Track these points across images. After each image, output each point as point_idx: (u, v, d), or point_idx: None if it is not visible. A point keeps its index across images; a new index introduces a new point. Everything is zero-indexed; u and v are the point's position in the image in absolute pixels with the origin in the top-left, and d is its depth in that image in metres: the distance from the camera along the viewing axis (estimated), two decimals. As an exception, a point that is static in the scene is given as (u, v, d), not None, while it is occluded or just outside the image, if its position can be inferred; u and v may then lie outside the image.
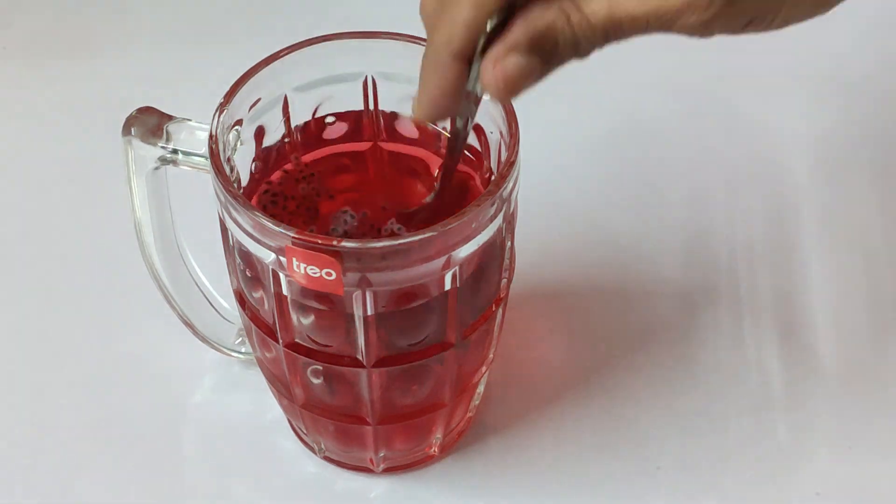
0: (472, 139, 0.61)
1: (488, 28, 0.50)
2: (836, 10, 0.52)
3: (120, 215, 0.66)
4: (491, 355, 0.63)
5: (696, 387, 0.67)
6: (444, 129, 0.61)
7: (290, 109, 0.61)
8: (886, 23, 0.83)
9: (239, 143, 0.60)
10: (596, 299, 0.71)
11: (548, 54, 0.50)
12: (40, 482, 0.65)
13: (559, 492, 0.64)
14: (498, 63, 0.50)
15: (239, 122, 0.60)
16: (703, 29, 0.49)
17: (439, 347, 0.59)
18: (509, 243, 0.60)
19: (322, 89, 0.61)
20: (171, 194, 0.62)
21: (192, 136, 0.59)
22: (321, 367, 0.59)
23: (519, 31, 0.49)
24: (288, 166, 0.62)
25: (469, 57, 0.51)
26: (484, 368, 0.63)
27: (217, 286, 0.65)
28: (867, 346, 0.69)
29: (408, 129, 0.62)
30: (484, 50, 0.50)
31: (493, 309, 0.61)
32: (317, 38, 0.60)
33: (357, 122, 0.62)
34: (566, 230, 0.74)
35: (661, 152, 0.77)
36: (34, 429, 0.66)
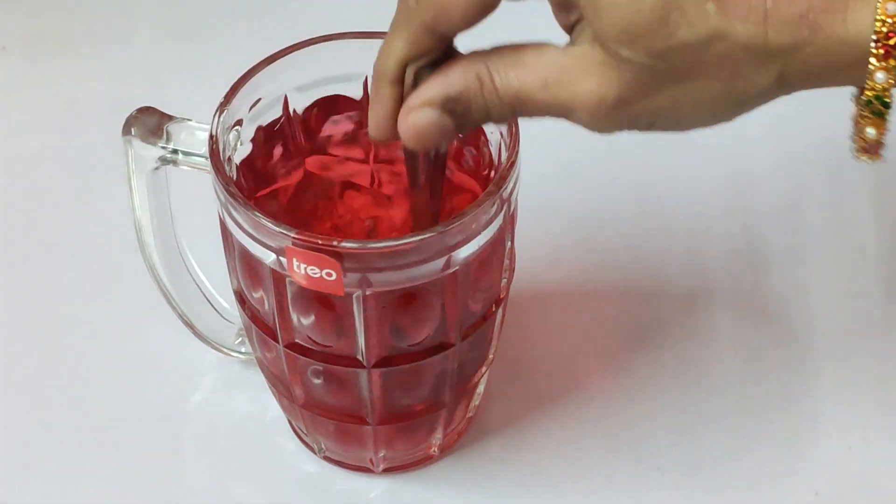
0: (472, 138, 0.61)
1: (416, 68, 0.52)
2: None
3: (120, 215, 0.66)
4: (491, 356, 0.63)
5: (696, 387, 0.67)
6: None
7: (290, 109, 0.61)
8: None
9: (239, 143, 0.60)
10: (597, 300, 0.71)
11: (460, 115, 0.51)
12: (40, 482, 0.65)
13: (559, 492, 0.64)
14: (410, 114, 0.51)
15: (239, 123, 0.60)
16: (595, 128, 0.51)
17: (439, 348, 0.59)
18: (510, 244, 0.60)
19: (322, 89, 0.61)
20: (171, 194, 0.62)
21: (193, 136, 0.59)
22: (321, 368, 0.59)
23: (435, 87, 0.51)
24: (288, 164, 0.62)
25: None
26: (484, 369, 0.63)
27: (217, 286, 0.65)
28: (867, 346, 0.69)
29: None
30: (416, 83, 0.52)
31: (494, 309, 0.61)
32: (317, 38, 0.60)
33: (357, 121, 0.62)
34: (567, 231, 0.74)
35: (662, 152, 0.77)
36: (34, 428, 0.66)
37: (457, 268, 0.56)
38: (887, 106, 0.49)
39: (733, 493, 0.64)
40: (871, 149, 0.50)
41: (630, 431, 0.66)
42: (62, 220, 0.75)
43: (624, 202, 0.75)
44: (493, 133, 0.60)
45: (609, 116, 0.50)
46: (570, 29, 0.50)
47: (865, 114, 0.49)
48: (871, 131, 0.50)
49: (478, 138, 0.61)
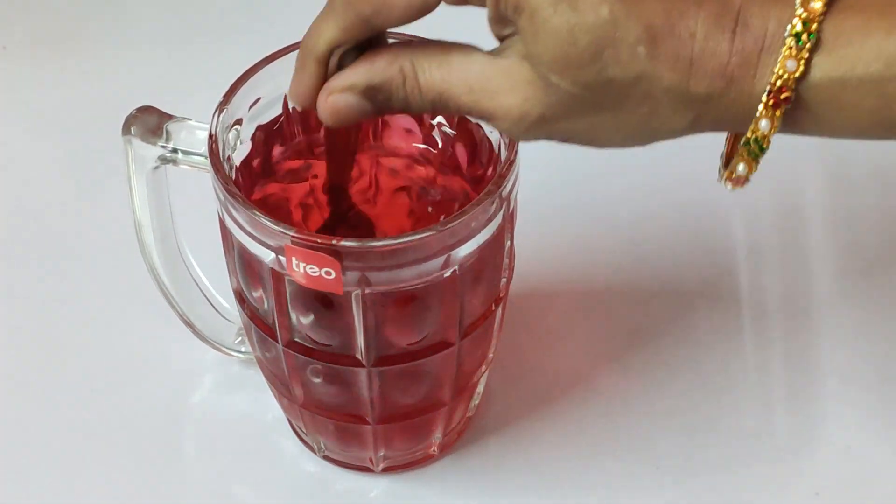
0: (471, 137, 0.61)
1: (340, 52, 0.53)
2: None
3: (120, 215, 0.66)
4: (490, 355, 0.63)
5: (695, 387, 0.67)
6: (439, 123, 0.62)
7: (289, 108, 0.61)
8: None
9: (238, 143, 0.60)
10: (596, 299, 0.71)
11: (379, 103, 0.53)
12: (40, 481, 0.65)
13: (558, 491, 0.64)
14: (331, 96, 0.53)
15: (239, 122, 0.60)
16: (514, 137, 0.54)
17: (439, 347, 0.59)
18: (509, 242, 0.60)
19: (322, 88, 0.61)
20: (171, 194, 0.62)
21: (192, 135, 0.60)
22: (321, 367, 0.59)
23: (360, 74, 0.52)
24: (287, 164, 0.62)
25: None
26: (483, 368, 0.63)
27: (217, 286, 0.65)
28: (866, 346, 0.69)
29: (401, 130, 0.62)
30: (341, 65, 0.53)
31: (493, 308, 0.61)
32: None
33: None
34: (566, 230, 0.74)
35: (662, 153, 0.77)
36: (34, 428, 0.66)
37: (456, 267, 0.56)
38: (763, 151, 0.52)
39: (733, 492, 0.64)
40: (737, 181, 0.53)
41: (629, 431, 0.66)
42: (62, 220, 0.75)
43: (624, 202, 0.75)
44: (493, 132, 0.60)
45: (528, 130, 0.52)
46: (501, 39, 0.52)
47: (741, 152, 0.52)
48: (741, 168, 0.52)
49: (476, 137, 0.61)
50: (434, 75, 0.52)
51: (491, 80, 0.51)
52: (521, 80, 0.50)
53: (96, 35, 0.84)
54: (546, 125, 0.51)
